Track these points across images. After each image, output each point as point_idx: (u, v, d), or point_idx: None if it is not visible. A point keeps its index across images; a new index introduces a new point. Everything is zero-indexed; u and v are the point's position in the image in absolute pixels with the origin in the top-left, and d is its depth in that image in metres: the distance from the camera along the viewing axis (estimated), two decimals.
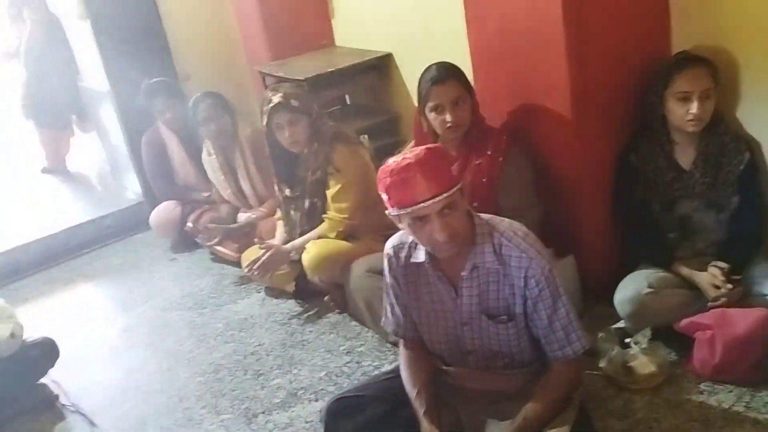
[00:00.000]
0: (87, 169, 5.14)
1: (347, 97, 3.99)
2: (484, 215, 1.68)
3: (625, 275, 2.14)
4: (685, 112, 2.00)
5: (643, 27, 2.19)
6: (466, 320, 1.67)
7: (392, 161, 1.54)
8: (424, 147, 1.56)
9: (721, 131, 2.07)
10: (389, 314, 1.83)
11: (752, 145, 2.10)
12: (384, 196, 1.56)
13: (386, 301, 1.83)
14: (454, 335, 1.71)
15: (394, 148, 3.50)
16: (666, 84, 2.03)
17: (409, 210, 1.50)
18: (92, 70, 4.06)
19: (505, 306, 1.64)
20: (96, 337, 2.94)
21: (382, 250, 1.78)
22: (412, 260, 1.69)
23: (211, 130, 3.17)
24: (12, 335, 2.44)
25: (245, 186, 3.24)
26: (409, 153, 1.54)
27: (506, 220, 1.69)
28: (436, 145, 1.60)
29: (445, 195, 1.49)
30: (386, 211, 1.58)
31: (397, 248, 1.73)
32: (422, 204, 1.49)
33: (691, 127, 2.02)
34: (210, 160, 3.29)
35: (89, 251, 3.82)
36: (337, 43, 3.98)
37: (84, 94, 4.53)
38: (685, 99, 2.00)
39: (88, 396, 2.51)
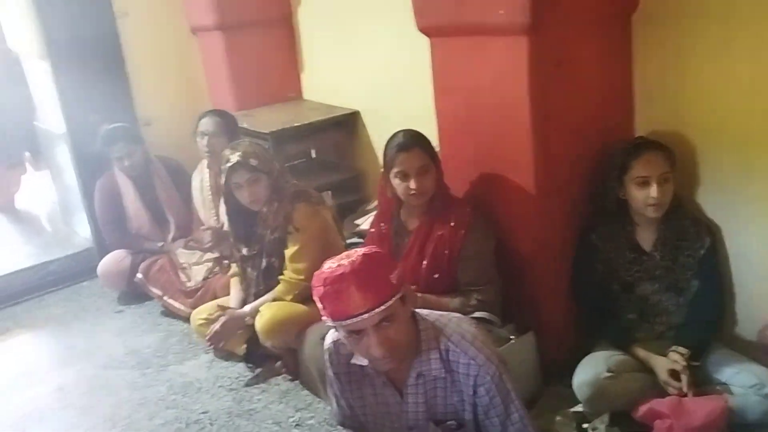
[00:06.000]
0: (37, 208, 4.95)
1: (313, 151, 3.95)
2: (431, 315, 1.59)
3: (584, 354, 2.11)
4: (645, 196, 2.02)
5: (608, 108, 2.22)
6: (412, 425, 1.59)
7: (327, 267, 1.42)
8: (361, 252, 1.44)
9: (681, 215, 2.10)
10: (335, 405, 1.74)
11: (712, 230, 2.12)
12: (318, 305, 1.44)
13: (330, 391, 1.74)
14: None
15: (357, 206, 3.50)
16: (624, 169, 2.06)
17: (342, 323, 1.41)
18: (49, 111, 3.93)
19: (454, 412, 1.56)
20: (26, 396, 2.74)
21: None
22: (353, 361, 1.58)
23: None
24: None
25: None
26: (345, 259, 1.42)
27: (455, 318, 1.61)
28: (375, 250, 1.48)
29: (381, 308, 1.38)
30: (322, 318, 1.48)
31: (338, 344, 1.63)
32: (356, 318, 1.38)
33: (652, 212, 2.03)
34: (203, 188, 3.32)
35: (30, 298, 3.62)
36: (306, 96, 3.97)
37: (39, 134, 4.39)
38: (645, 183, 2.02)
39: None
